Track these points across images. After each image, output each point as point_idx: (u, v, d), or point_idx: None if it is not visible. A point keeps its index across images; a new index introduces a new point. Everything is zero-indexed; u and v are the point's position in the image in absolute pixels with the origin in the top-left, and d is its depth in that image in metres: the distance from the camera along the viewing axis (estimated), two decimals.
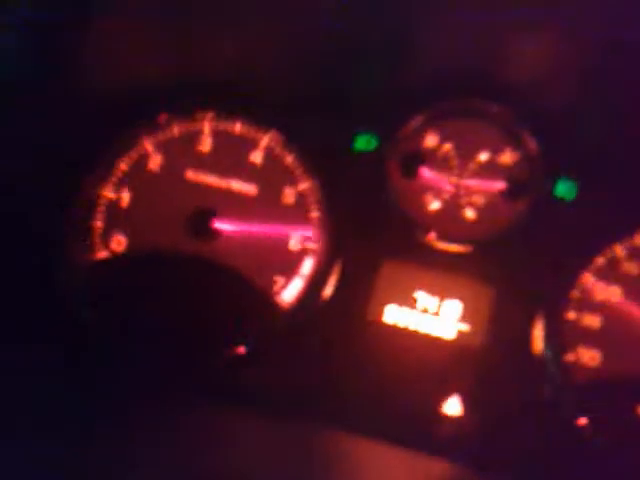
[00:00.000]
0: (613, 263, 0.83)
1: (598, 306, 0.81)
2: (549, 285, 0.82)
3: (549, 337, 0.80)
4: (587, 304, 0.82)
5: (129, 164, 0.92)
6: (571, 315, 0.81)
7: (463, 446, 0.76)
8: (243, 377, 0.84)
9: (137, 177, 0.91)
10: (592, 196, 0.85)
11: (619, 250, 0.83)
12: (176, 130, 0.92)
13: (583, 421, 0.76)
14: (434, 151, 0.90)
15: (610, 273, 0.82)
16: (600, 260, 0.83)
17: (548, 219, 0.85)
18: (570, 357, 0.80)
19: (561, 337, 0.80)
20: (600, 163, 0.86)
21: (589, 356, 0.80)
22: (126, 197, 0.91)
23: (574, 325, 0.81)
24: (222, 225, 0.89)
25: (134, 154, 0.92)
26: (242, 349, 0.83)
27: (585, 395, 0.77)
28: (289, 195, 0.89)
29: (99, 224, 0.90)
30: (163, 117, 0.91)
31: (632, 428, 0.75)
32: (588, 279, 0.82)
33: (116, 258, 0.88)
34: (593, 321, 0.81)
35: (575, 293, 0.82)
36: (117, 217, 0.90)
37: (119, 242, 0.90)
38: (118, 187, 0.91)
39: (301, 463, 0.65)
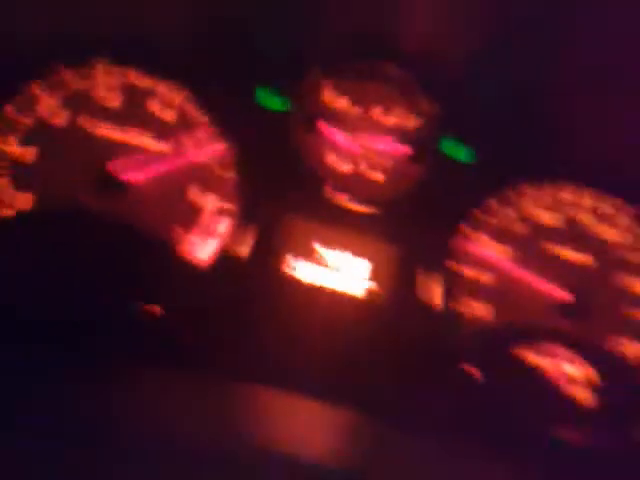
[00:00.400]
0: (495, 219, 0.89)
1: (490, 263, 0.88)
2: (442, 241, 0.88)
3: (445, 291, 0.86)
4: (479, 261, 0.88)
5: (32, 119, 0.89)
6: (465, 270, 0.88)
7: (367, 394, 0.81)
8: (157, 335, 0.84)
9: (41, 132, 0.88)
10: (483, 157, 0.91)
11: (499, 207, 0.90)
12: (79, 84, 0.90)
13: (468, 366, 0.82)
14: (343, 113, 0.94)
15: (494, 229, 0.89)
16: (482, 216, 0.89)
17: (446, 179, 0.91)
18: (460, 308, 0.86)
19: (453, 290, 0.86)
20: (492, 127, 0.91)
21: (481, 309, 0.87)
22: (31, 152, 0.88)
23: (465, 279, 0.87)
24: (129, 177, 0.88)
25: (35, 108, 0.89)
26: (154, 308, 0.83)
27: (472, 343, 0.84)
28: (199, 154, 0.90)
29: (3, 181, 0.87)
30: (63, 73, 0.89)
31: (516, 371, 0.83)
32: (480, 237, 0.89)
33: (22, 216, 0.86)
34: (483, 276, 0.88)
35: (468, 249, 0.88)
36: (22, 174, 0.87)
37: (26, 200, 0.87)
38: (22, 143, 0.88)
39: (217, 417, 0.67)
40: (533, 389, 0.83)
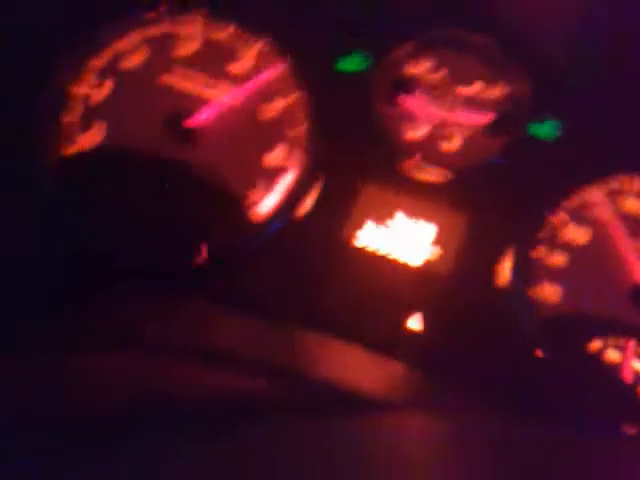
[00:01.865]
0: (586, 205, 0.84)
1: (565, 245, 0.83)
2: (521, 220, 0.83)
3: (515, 271, 0.81)
4: (555, 242, 0.83)
5: (106, 60, 0.88)
6: (538, 252, 0.83)
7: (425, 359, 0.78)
8: (205, 286, 0.83)
9: (116, 72, 0.88)
10: (573, 138, 0.86)
11: (593, 193, 0.84)
12: (160, 29, 0.89)
13: (540, 353, 0.78)
14: (425, 80, 0.90)
15: (582, 215, 0.84)
16: (574, 201, 0.84)
17: (528, 156, 0.86)
18: (533, 292, 0.82)
19: (526, 272, 0.82)
20: (585, 105, 0.86)
21: (551, 292, 0.82)
22: (109, 85, 0.87)
23: (540, 261, 0.83)
24: (195, 122, 0.86)
25: (118, 47, 0.88)
26: (204, 255, 0.82)
27: (544, 329, 0.80)
28: (274, 107, 0.87)
29: (72, 119, 0.87)
30: (156, 11, 0.88)
31: (584, 363, 0.78)
32: (560, 217, 0.84)
33: (91, 151, 0.86)
34: (558, 259, 0.83)
35: (544, 231, 0.83)
36: (91, 112, 0.87)
37: (92, 138, 0.87)
38: (94, 82, 0.88)
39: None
40: (601, 383, 0.78)
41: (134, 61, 0.88)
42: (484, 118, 0.88)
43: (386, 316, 0.82)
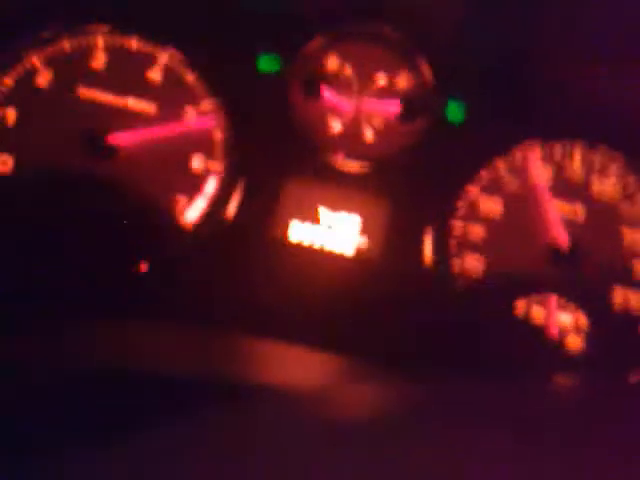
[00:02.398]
0: (495, 176, 0.90)
1: (482, 218, 0.89)
2: (437, 200, 0.88)
3: (436, 247, 0.86)
4: (472, 216, 0.89)
5: (15, 79, 0.86)
6: (457, 225, 0.88)
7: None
8: (146, 296, 0.83)
9: (24, 94, 0.86)
10: (479, 117, 0.91)
11: (501, 165, 0.90)
12: (67, 45, 0.87)
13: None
14: (335, 72, 0.93)
15: (493, 186, 0.90)
16: (484, 174, 0.90)
17: (439, 139, 0.91)
18: (456, 264, 0.87)
19: (447, 246, 0.87)
20: (486, 85, 0.92)
21: (473, 262, 0.87)
22: (12, 114, 0.85)
23: (460, 235, 0.88)
24: (118, 140, 0.86)
25: (20, 69, 0.86)
26: (144, 267, 0.82)
27: (471, 297, 0.85)
28: (190, 114, 0.88)
29: None
30: (51, 31, 0.86)
31: (511, 326, 0.84)
32: (473, 192, 0.89)
33: (2, 179, 0.83)
34: (477, 231, 0.88)
35: (460, 205, 0.88)
36: (2, 136, 0.85)
37: (4, 162, 0.84)
38: (3, 104, 0.85)
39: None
40: (527, 338, 0.84)
41: (40, 82, 0.86)
42: (395, 107, 0.92)
43: (327, 307, 0.84)
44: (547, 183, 0.90)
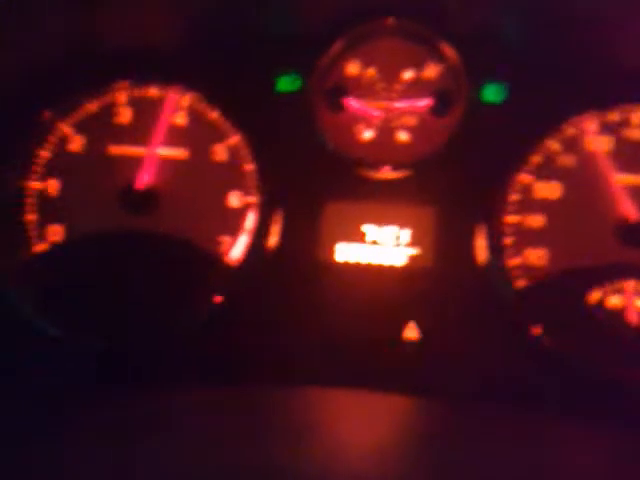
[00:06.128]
0: (549, 159, 0.83)
1: (539, 205, 0.82)
2: (486, 192, 0.82)
3: (491, 244, 0.80)
4: (527, 205, 0.82)
5: (50, 151, 0.88)
6: (513, 218, 0.82)
7: (424, 374, 0.78)
8: (203, 347, 0.83)
9: (61, 162, 0.88)
10: (520, 96, 0.84)
11: (552, 144, 0.83)
12: (91, 107, 0.89)
13: (537, 330, 0.77)
14: (358, 78, 0.88)
15: (547, 170, 0.83)
16: (535, 158, 0.83)
17: (480, 126, 0.84)
18: (516, 261, 0.81)
19: (504, 242, 0.81)
20: (524, 63, 0.84)
21: (536, 256, 0.81)
22: (54, 185, 0.88)
23: (517, 228, 0.82)
24: (153, 188, 0.86)
25: (53, 139, 0.88)
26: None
27: (536, 297, 0.79)
28: (220, 152, 0.87)
29: (32, 217, 0.87)
30: (74, 96, 0.88)
31: (586, 319, 0.77)
32: (525, 179, 0.83)
33: (56, 248, 0.86)
34: (536, 221, 0.82)
35: (514, 195, 0.82)
36: (49, 206, 0.87)
37: (56, 232, 0.87)
38: (43, 176, 0.88)
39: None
40: (608, 333, 0.77)
41: (73, 147, 0.88)
42: (426, 101, 0.87)
43: (385, 322, 0.82)
44: (607, 155, 0.82)
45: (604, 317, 0.77)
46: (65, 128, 0.88)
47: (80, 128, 0.88)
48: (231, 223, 0.85)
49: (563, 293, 0.78)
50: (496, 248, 0.80)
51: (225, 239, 0.85)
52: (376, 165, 0.85)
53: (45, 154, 0.88)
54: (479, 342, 0.77)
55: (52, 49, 0.84)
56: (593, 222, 0.81)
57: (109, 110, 0.89)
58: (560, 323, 0.77)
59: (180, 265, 0.85)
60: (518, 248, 0.81)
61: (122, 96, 0.89)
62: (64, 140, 0.88)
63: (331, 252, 0.84)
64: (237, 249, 0.85)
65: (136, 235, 0.85)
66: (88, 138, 0.88)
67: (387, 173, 0.85)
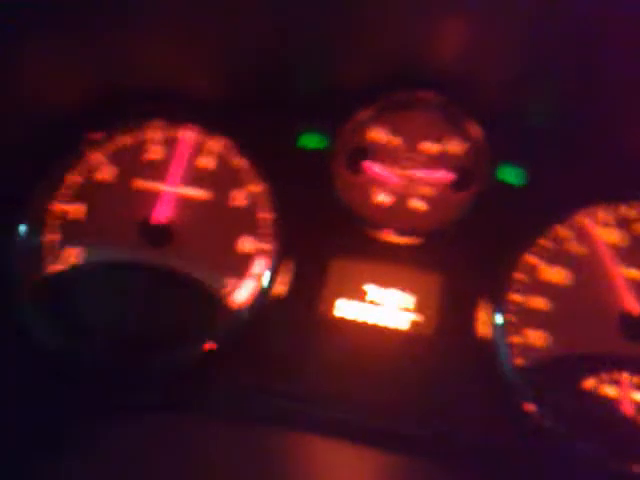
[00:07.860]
0: (558, 244, 0.84)
1: (544, 288, 0.82)
2: (493, 269, 0.83)
3: (494, 320, 0.81)
4: (533, 286, 0.83)
5: (81, 176, 0.93)
6: (516, 297, 0.82)
7: (419, 439, 0.77)
8: (200, 382, 0.84)
9: (89, 189, 0.92)
10: (537, 181, 0.86)
11: (563, 231, 0.84)
12: (125, 140, 0.94)
13: (531, 407, 0.76)
14: (381, 144, 0.92)
15: (555, 254, 0.83)
16: (544, 241, 0.84)
17: (495, 205, 0.86)
18: (516, 339, 0.81)
19: (506, 319, 0.81)
20: (543, 148, 0.87)
21: (536, 337, 0.81)
22: (81, 210, 0.92)
23: (520, 307, 0.82)
24: (171, 225, 0.90)
25: (83, 166, 0.93)
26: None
27: (533, 377, 0.78)
28: (239, 197, 0.90)
29: (52, 237, 0.91)
30: (109, 130, 0.93)
31: (580, 404, 0.76)
32: (532, 260, 0.83)
33: (73, 269, 0.89)
34: (539, 303, 0.82)
35: (519, 274, 0.83)
36: (71, 229, 0.91)
37: (74, 254, 0.90)
38: (71, 199, 0.92)
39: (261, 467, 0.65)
40: (602, 421, 0.76)
41: (102, 176, 0.93)
42: (448, 175, 0.90)
43: (379, 382, 0.81)
44: (615, 248, 0.82)
45: (599, 405, 0.76)
46: (98, 157, 0.93)
47: (112, 159, 0.93)
48: (239, 266, 0.88)
49: (560, 376, 0.77)
50: (498, 325, 0.80)
51: (231, 281, 0.87)
52: (386, 227, 0.87)
53: (76, 179, 0.93)
54: (473, 413, 0.77)
55: (99, 84, 0.90)
56: (596, 312, 0.81)
57: (141, 146, 0.94)
58: (554, 405, 0.76)
59: (184, 301, 0.87)
60: (519, 327, 0.81)
61: (156, 134, 0.94)
62: (95, 168, 0.93)
63: (331, 307, 0.85)
64: (242, 292, 0.87)
65: (147, 266, 0.88)
66: (118, 169, 0.93)
67: (398, 238, 0.87)
